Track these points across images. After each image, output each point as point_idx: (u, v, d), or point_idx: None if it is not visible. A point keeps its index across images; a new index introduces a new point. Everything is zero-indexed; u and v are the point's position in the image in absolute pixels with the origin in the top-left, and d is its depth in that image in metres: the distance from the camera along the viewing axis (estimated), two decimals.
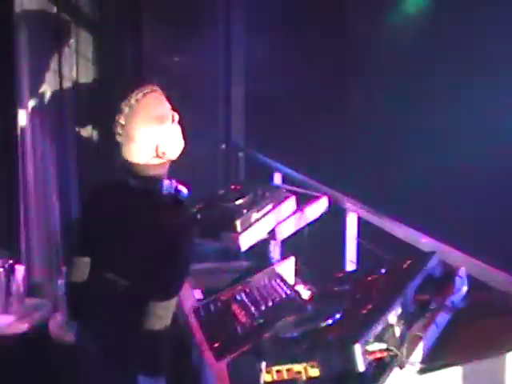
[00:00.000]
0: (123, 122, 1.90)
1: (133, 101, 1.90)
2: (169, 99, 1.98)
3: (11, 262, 3.42)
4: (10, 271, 3.41)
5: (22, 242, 3.76)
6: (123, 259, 1.95)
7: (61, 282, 3.32)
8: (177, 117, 2.00)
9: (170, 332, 1.88)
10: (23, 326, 3.31)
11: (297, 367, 1.37)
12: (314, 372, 1.35)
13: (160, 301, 1.85)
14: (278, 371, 1.40)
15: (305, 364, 1.36)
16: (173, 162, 2.01)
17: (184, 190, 2.00)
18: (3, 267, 3.38)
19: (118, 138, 1.94)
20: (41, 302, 3.55)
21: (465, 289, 1.64)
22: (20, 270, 3.45)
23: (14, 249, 3.64)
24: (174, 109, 2.00)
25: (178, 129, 2.00)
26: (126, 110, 1.90)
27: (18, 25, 3.64)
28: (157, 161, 1.95)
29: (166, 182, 1.96)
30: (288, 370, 1.38)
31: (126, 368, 1.90)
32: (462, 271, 1.67)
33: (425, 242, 2.03)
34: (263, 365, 1.43)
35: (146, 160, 1.94)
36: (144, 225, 1.92)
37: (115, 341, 1.94)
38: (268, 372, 1.42)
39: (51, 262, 3.68)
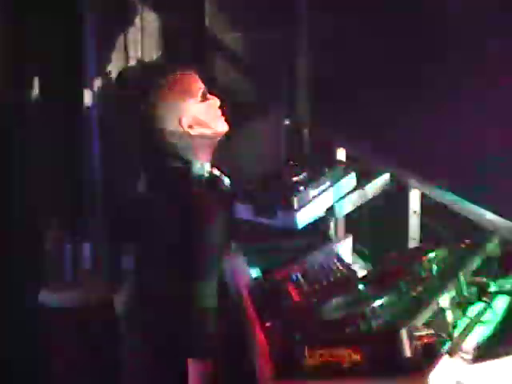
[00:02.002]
0: (153, 100, 1.93)
1: (163, 80, 1.94)
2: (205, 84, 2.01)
3: (79, 237, 3.51)
4: (78, 247, 3.50)
5: (89, 218, 3.83)
6: (147, 243, 2.00)
7: (126, 258, 3.37)
8: (215, 98, 2.00)
9: (217, 313, 1.86)
10: (90, 301, 3.39)
11: (340, 351, 1.31)
12: (358, 357, 1.28)
13: (192, 285, 1.86)
14: (320, 355, 1.34)
15: (348, 348, 1.30)
16: (218, 148, 2.02)
17: (223, 178, 1.98)
18: (71, 243, 3.47)
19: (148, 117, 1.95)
20: (106, 277, 3.62)
21: None
22: (87, 245, 3.53)
23: (82, 226, 3.71)
24: (215, 94, 2.02)
25: (212, 109, 2.00)
26: (157, 88, 1.94)
27: (83, 5, 3.68)
28: (183, 138, 1.95)
29: (198, 164, 1.94)
30: (331, 354, 1.32)
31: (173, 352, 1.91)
32: None
33: (489, 220, 1.91)
34: (306, 348, 1.38)
35: (170, 136, 1.95)
36: (160, 205, 1.95)
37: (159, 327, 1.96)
38: (310, 355, 1.36)
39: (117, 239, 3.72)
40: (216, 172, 2.00)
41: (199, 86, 1.99)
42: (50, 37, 3.71)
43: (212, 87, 2.06)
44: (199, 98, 1.97)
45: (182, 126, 1.94)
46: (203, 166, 1.97)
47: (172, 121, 1.94)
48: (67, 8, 3.71)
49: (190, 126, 1.95)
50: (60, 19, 3.71)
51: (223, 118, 2.03)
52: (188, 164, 1.96)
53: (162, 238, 1.97)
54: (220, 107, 2.03)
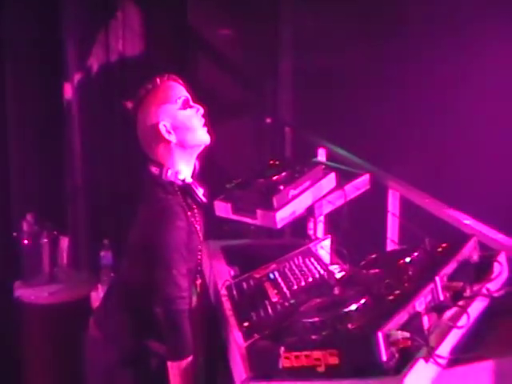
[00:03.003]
0: (136, 104, 1.96)
1: (149, 85, 1.95)
2: (189, 91, 2.01)
3: (56, 233, 3.47)
4: (55, 242, 3.46)
5: (68, 214, 3.80)
6: (126, 246, 2.03)
7: (103, 253, 3.35)
8: (198, 106, 1.99)
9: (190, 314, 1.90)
10: (67, 297, 3.36)
11: (316, 354, 1.31)
12: (334, 360, 1.28)
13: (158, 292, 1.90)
14: (296, 357, 1.34)
15: (324, 351, 1.30)
16: (198, 155, 2.02)
17: (197, 188, 2.01)
18: (48, 238, 3.43)
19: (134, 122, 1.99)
20: (84, 273, 3.59)
21: (504, 275, 1.54)
22: (64, 241, 3.50)
23: (60, 221, 3.67)
24: (197, 102, 2.00)
25: (195, 117, 1.98)
26: (142, 92, 1.96)
27: None
28: (161, 144, 1.96)
29: (169, 171, 1.95)
30: (307, 357, 1.32)
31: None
32: (502, 256, 1.57)
33: (467, 224, 1.92)
34: (282, 349, 1.37)
35: (148, 139, 1.97)
36: (138, 210, 1.99)
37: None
38: (286, 357, 1.36)
39: (95, 235, 3.70)
40: (190, 181, 1.99)
41: (180, 93, 1.97)
42: (30, 29, 3.67)
43: (196, 92, 2.05)
44: (179, 105, 1.95)
45: (159, 132, 1.94)
46: (178, 172, 1.96)
47: (150, 125, 1.94)
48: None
49: (169, 132, 1.94)
50: (40, 11, 3.67)
51: (206, 129, 2.00)
52: (161, 168, 1.96)
53: (132, 236, 2.02)
54: (204, 116, 2.01)
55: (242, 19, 3.85)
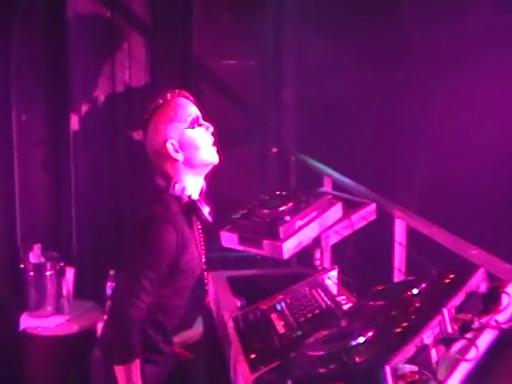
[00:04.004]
0: (147, 120, 1.98)
1: (160, 100, 1.97)
2: (199, 107, 2.02)
3: (62, 264, 3.47)
4: (61, 273, 3.45)
5: (73, 244, 3.80)
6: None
7: (109, 284, 3.34)
8: (207, 125, 2.00)
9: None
10: (73, 328, 3.35)
11: None
12: None
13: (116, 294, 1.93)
14: None
15: None
16: (206, 175, 2.03)
17: (203, 206, 2.00)
18: (54, 269, 3.43)
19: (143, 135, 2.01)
20: (90, 304, 3.58)
21: None
22: (70, 272, 3.49)
23: (65, 251, 3.67)
24: (207, 119, 2.01)
25: (202, 134, 1.99)
26: (152, 108, 1.98)
27: (71, 28, 3.69)
28: (168, 161, 1.97)
29: (177, 185, 1.95)
30: None
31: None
32: (510, 287, 1.55)
33: (474, 254, 1.91)
34: (289, 383, 1.36)
35: (157, 156, 1.98)
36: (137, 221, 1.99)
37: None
38: None
39: (101, 265, 3.69)
40: (196, 198, 1.99)
41: (190, 111, 1.98)
42: (36, 58, 3.71)
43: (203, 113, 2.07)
44: (187, 124, 1.96)
45: (166, 149, 1.95)
46: (185, 189, 1.96)
47: (158, 142, 1.96)
48: (55, 29, 3.72)
49: (176, 151, 1.95)
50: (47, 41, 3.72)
51: (215, 148, 2.01)
52: (169, 182, 1.96)
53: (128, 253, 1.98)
54: (213, 135, 2.02)
55: (245, 50, 3.89)
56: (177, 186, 1.95)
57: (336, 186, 3.07)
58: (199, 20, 3.86)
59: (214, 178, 2.10)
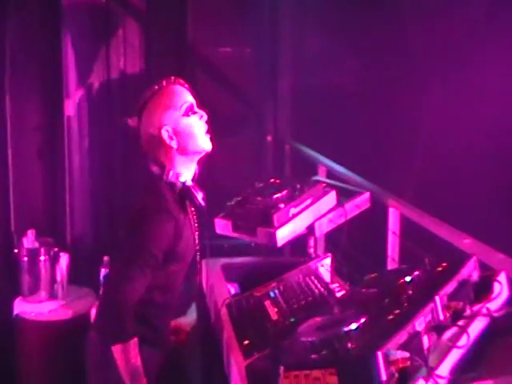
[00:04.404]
0: (142, 106, 1.97)
1: (156, 87, 1.97)
2: (195, 95, 2.02)
3: (56, 249, 3.47)
4: (55, 258, 3.46)
5: (67, 230, 3.80)
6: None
7: (103, 270, 3.34)
8: (202, 113, 2.01)
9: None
10: (66, 314, 3.35)
11: (315, 373, 1.31)
12: (333, 379, 1.28)
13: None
14: (295, 376, 1.34)
15: (324, 371, 1.30)
16: (200, 162, 2.04)
17: (197, 192, 2.01)
18: (48, 255, 3.43)
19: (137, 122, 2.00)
20: (84, 290, 3.58)
21: (504, 295, 1.54)
22: (64, 257, 3.49)
23: (59, 237, 3.68)
24: (202, 107, 2.02)
25: (196, 122, 2.00)
26: (148, 95, 1.97)
27: (66, 14, 3.67)
28: (163, 147, 1.97)
29: (171, 172, 1.97)
30: (306, 376, 1.32)
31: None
32: (502, 276, 1.57)
33: (467, 243, 1.93)
34: (281, 369, 1.37)
35: (151, 143, 1.98)
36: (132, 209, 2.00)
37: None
38: (286, 376, 1.36)
39: (95, 251, 3.70)
40: (190, 184, 2.00)
41: (185, 99, 1.99)
42: (31, 45, 3.70)
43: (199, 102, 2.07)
44: (182, 111, 1.97)
45: (161, 136, 1.96)
46: (179, 175, 1.98)
47: (153, 129, 1.97)
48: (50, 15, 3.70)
49: (170, 138, 1.96)
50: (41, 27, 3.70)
51: (208, 136, 2.02)
52: (163, 169, 1.98)
53: (122, 239, 2.01)
54: (207, 123, 2.03)
55: (241, 38, 3.88)
56: (171, 173, 1.98)
57: (330, 174, 3.09)
58: (195, 7, 3.84)
59: (209, 166, 2.11)
